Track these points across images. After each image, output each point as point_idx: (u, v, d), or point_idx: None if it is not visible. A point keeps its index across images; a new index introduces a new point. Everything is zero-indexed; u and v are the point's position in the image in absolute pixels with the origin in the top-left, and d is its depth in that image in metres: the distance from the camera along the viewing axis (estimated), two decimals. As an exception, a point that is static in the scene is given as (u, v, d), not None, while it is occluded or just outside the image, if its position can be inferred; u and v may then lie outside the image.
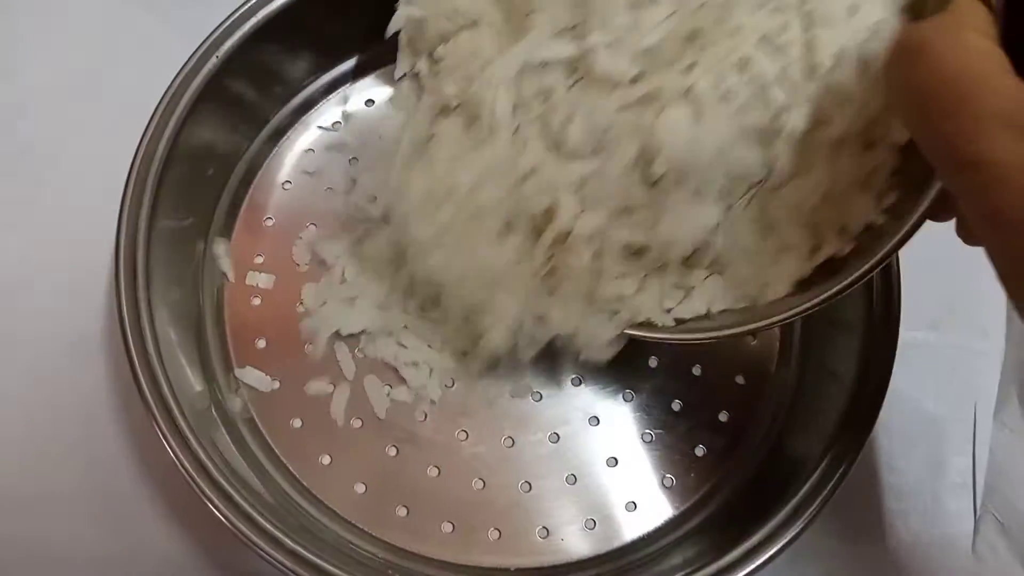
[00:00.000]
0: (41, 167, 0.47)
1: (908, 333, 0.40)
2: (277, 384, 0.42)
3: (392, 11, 0.41)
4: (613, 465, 0.41)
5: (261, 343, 0.42)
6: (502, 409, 0.42)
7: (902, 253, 0.39)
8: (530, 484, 0.41)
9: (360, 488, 0.40)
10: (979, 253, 0.47)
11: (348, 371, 0.42)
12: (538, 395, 0.42)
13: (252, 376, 0.42)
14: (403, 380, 0.42)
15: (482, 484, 0.41)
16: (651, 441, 0.42)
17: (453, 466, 0.41)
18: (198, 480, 0.35)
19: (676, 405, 0.42)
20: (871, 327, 0.39)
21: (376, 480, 0.40)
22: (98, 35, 0.51)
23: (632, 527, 0.41)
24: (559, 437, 0.41)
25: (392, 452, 0.41)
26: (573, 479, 0.41)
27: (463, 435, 0.41)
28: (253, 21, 0.42)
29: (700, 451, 0.42)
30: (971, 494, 0.45)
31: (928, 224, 0.47)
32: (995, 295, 0.47)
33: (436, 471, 0.41)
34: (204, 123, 0.41)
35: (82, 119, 0.48)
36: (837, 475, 0.37)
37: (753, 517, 0.38)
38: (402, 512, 0.40)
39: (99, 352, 0.43)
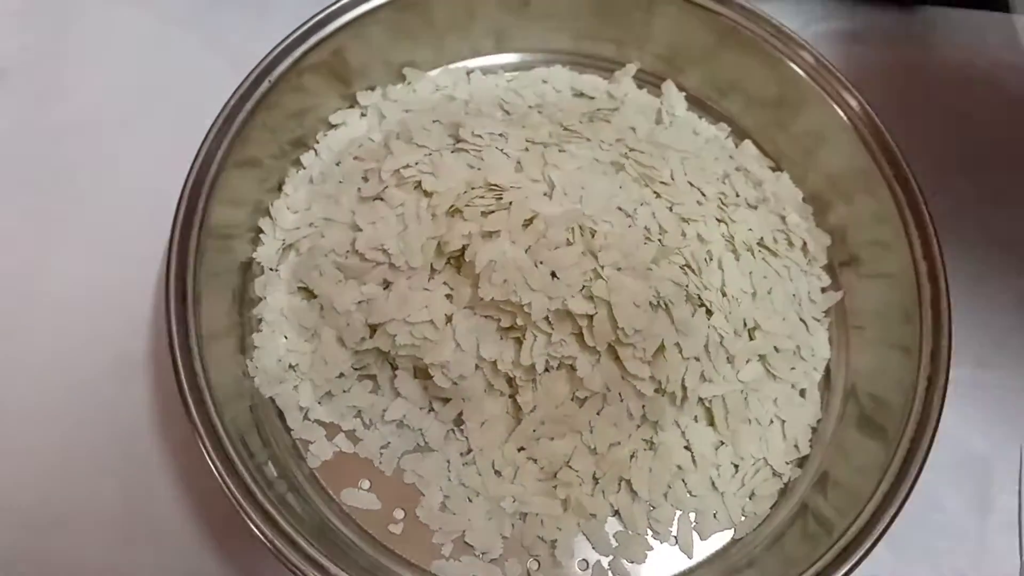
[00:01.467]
0: (89, 186, 0.48)
1: (954, 370, 0.39)
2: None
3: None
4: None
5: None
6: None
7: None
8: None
9: (399, 514, 0.40)
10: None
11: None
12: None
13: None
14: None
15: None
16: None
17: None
18: (243, 503, 0.34)
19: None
20: (920, 363, 0.39)
21: (416, 507, 0.40)
22: (146, 57, 0.52)
23: (674, 562, 0.40)
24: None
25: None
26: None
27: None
28: (303, 47, 0.42)
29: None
30: (1017, 533, 0.44)
31: (975, 264, 0.47)
32: (1044, 333, 0.47)
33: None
34: (255, 145, 0.42)
35: (130, 139, 0.49)
36: (886, 516, 0.36)
37: (801, 558, 0.37)
38: (441, 539, 0.40)
39: (143, 371, 0.43)
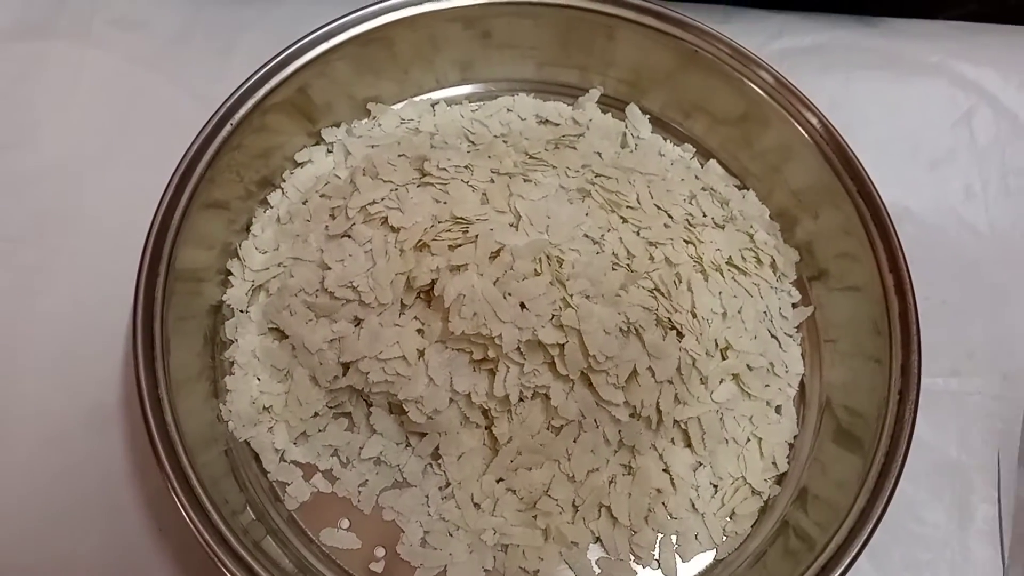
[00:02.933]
0: (59, 233, 0.47)
1: (929, 380, 0.39)
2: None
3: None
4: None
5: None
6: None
7: (920, 302, 0.40)
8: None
9: (380, 552, 0.40)
10: (998, 298, 0.48)
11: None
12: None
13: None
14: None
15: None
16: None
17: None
18: (217, 550, 0.34)
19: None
20: (891, 376, 0.39)
21: (396, 543, 0.40)
22: (113, 98, 0.51)
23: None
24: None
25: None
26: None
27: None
28: (265, 89, 0.42)
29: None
30: (999, 542, 0.44)
31: (946, 269, 0.48)
32: (1014, 340, 0.47)
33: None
34: (221, 188, 0.42)
35: (99, 183, 0.49)
36: (865, 529, 0.36)
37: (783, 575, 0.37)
38: (423, 576, 0.40)
39: (118, 420, 0.43)
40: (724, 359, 0.42)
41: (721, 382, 0.42)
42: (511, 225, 0.40)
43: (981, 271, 0.49)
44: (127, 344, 0.44)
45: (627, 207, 0.43)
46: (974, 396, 0.46)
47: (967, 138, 0.52)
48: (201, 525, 0.34)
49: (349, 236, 0.41)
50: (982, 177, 0.51)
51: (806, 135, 0.44)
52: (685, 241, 0.43)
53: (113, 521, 0.42)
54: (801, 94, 0.44)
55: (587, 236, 0.41)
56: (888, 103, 0.53)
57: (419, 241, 0.40)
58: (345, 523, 0.40)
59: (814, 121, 0.43)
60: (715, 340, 0.41)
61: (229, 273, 0.44)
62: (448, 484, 0.41)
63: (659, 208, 0.43)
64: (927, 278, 0.42)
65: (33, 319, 0.45)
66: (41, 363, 0.44)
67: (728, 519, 0.42)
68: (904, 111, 0.53)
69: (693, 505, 0.41)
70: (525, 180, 0.42)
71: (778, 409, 0.43)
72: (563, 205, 0.42)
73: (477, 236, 0.39)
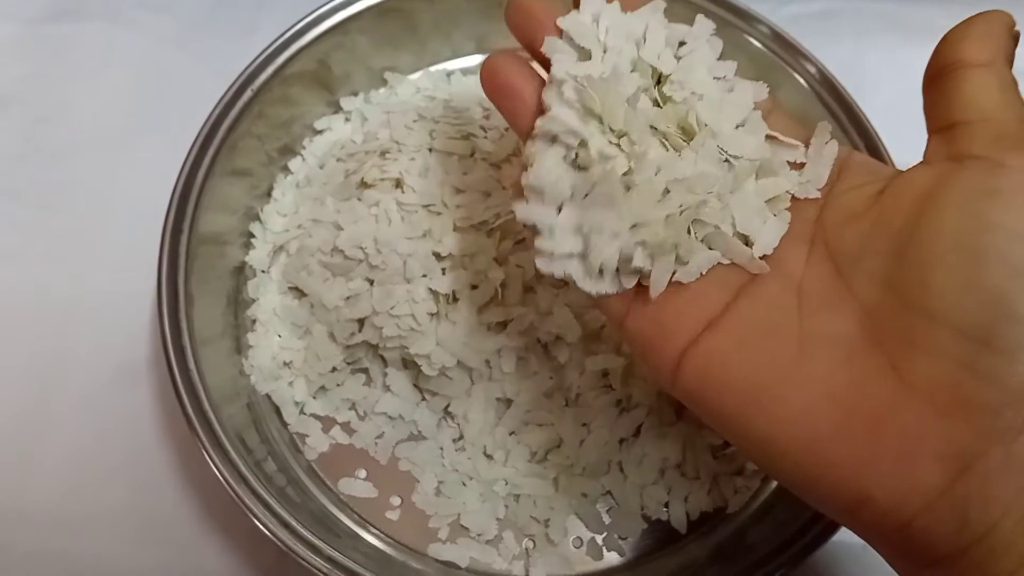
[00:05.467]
0: (89, 202, 0.49)
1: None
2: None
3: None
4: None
5: (300, 363, 0.44)
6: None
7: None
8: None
9: (396, 501, 0.41)
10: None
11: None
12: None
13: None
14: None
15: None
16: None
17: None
18: (241, 494, 0.36)
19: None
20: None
21: (411, 493, 0.41)
22: (141, 78, 0.53)
23: (667, 536, 0.42)
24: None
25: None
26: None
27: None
28: (284, 56, 0.44)
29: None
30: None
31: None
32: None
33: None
34: (243, 154, 0.43)
35: (127, 156, 0.51)
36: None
37: (791, 520, 0.38)
38: (437, 524, 0.41)
39: (145, 376, 0.45)
40: None
41: None
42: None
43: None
44: (154, 304, 0.46)
45: None
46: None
47: (978, 101, 0.52)
48: (226, 471, 0.36)
49: (360, 199, 0.42)
50: (994, 139, 0.51)
51: (807, 86, 0.44)
52: None
53: (140, 474, 0.43)
54: (799, 45, 0.44)
55: None
56: (898, 68, 0.53)
57: (428, 204, 0.41)
58: (362, 473, 0.42)
59: (814, 72, 0.44)
60: None
61: (251, 236, 0.45)
62: (461, 436, 0.42)
63: None
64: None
65: (65, 283, 0.47)
66: (72, 323, 0.46)
67: (738, 476, 0.42)
68: (914, 75, 0.51)
69: (704, 462, 0.42)
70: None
71: None
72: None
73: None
